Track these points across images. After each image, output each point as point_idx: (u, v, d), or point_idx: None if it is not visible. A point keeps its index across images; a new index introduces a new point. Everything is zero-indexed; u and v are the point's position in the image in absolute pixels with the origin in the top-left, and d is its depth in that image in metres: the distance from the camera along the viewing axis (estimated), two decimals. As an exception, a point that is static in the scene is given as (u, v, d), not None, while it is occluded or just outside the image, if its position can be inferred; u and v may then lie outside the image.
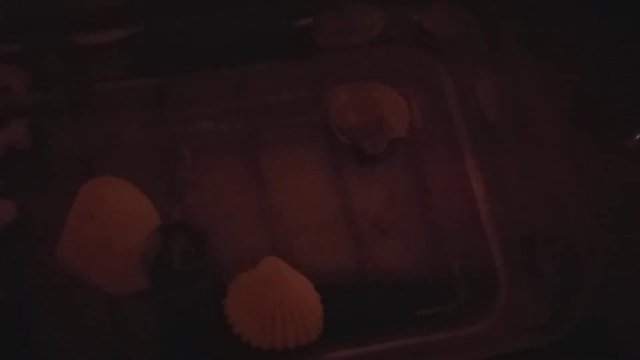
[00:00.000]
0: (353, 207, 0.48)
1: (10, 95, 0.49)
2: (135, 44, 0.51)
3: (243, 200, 0.48)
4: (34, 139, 0.48)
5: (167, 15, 0.51)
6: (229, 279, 0.44)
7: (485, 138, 0.48)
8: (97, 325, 0.43)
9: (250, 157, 0.49)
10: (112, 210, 0.44)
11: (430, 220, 0.47)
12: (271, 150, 0.49)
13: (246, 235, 0.47)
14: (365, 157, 0.49)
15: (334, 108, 0.49)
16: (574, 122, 0.47)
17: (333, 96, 0.49)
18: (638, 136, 0.48)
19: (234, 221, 0.47)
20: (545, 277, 0.42)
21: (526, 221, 0.45)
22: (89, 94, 0.50)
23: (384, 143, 0.48)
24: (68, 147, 0.49)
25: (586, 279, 0.39)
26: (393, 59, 0.52)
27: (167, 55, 0.51)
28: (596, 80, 0.46)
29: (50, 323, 0.43)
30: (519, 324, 0.42)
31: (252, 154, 0.49)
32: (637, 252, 0.46)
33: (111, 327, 0.43)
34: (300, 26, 0.52)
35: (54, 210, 0.46)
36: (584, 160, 0.46)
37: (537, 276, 0.43)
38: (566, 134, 0.46)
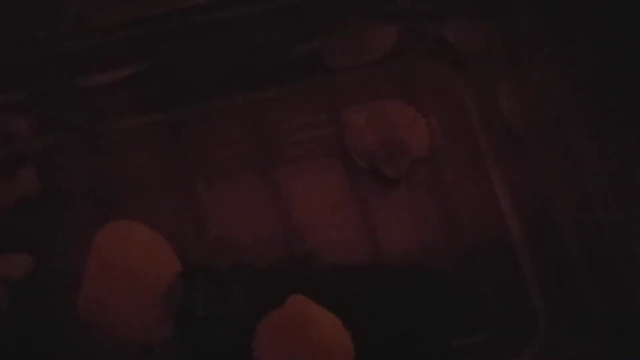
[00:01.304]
0: (377, 231, 0.46)
1: (17, 143, 0.48)
2: (141, 80, 0.49)
3: (264, 229, 0.46)
4: (45, 186, 0.47)
5: (172, 49, 0.50)
6: (256, 320, 0.43)
7: (511, 152, 0.46)
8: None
9: (269, 187, 0.48)
10: (131, 257, 0.43)
11: (459, 242, 0.45)
12: (290, 178, 0.48)
13: (269, 269, 0.45)
14: (386, 180, 0.47)
15: (350, 132, 0.47)
16: (604, 128, 0.45)
17: (348, 119, 0.47)
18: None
19: (256, 255, 0.46)
20: (587, 309, 0.41)
21: (563, 241, 0.43)
22: (97, 135, 0.49)
23: (405, 165, 0.46)
24: (79, 190, 0.47)
25: (636, 315, 0.37)
26: (408, 75, 0.50)
27: (175, 88, 0.49)
28: (623, 88, 0.44)
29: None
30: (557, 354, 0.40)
31: (269, 183, 0.48)
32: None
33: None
34: (309, 49, 0.51)
35: (71, 258, 0.45)
36: (615, 169, 0.45)
37: (578, 307, 0.41)
38: (595, 143, 0.44)
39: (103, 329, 0.42)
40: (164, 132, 0.49)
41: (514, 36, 0.45)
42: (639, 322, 0.38)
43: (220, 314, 0.41)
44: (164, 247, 0.44)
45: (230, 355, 0.42)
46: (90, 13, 0.46)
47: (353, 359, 0.41)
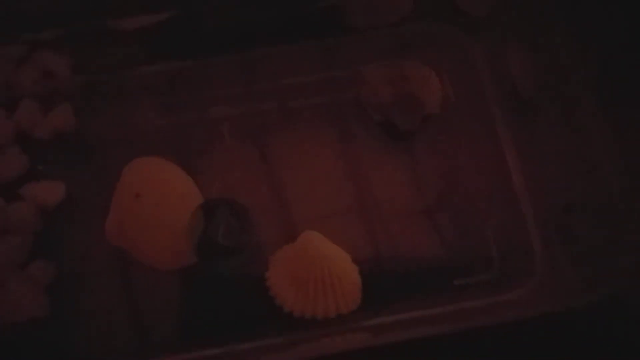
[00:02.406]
0: (386, 184, 0.49)
1: (55, 80, 0.51)
2: (173, 27, 0.52)
3: (280, 177, 0.49)
4: (79, 122, 0.50)
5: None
6: (269, 253, 0.46)
7: (519, 112, 0.49)
8: (145, 298, 0.46)
9: (285, 136, 0.50)
10: (157, 189, 0.46)
11: (464, 194, 0.48)
12: (305, 128, 0.50)
13: (282, 210, 0.48)
14: (397, 134, 0.50)
15: (366, 86, 0.50)
16: (611, 92, 0.47)
17: (365, 74, 0.50)
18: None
19: (271, 198, 0.48)
20: (582, 242, 0.44)
21: (562, 191, 0.46)
22: (127, 78, 0.52)
23: (417, 119, 0.49)
24: (110, 129, 0.50)
25: (626, 242, 0.40)
26: (423, 36, 0.52)
27: (206, 37, 0.52)
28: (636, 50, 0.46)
29: (100, 296, 0.45)
30: (556, 290, 0.43)
31: (286, 133, 0.50)
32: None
33: (158, 300, 0.45)
34: (329, 6, 0.53)
35: (99, 190, 0.48)
36: (623, 129, 0.47)
37: (574, 243, 0.44)
38: (604, 105, 0.46)
39: (128, 254, 0.45)
40: (190, 79, 0.51)
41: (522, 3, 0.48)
42: (625, 246, 0.41)
43: (239, 244, 0.44)
44: (187, 181, 0.47)
45: (245, 283, 0.45)
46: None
47: (360, 291, 0.44)
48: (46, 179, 0.48)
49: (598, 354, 0.43)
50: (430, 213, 0.48)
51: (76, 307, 0.45)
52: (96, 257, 0.46)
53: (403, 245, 0.47)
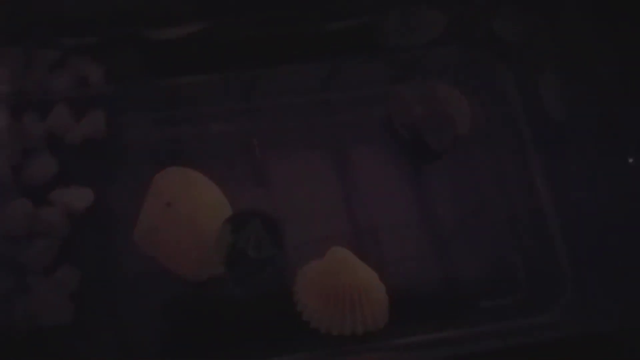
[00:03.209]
0: (415, 203, 0.49)
1: (88, 86, 0.51)
2: (206, 38, 0.53)
3: (309, 192, 0.49)
4: (109, 129, 0.50)
5: (235, 10, 0.53)
6: (297, 267, 0.46)
7: (550, 136, 0.49)
8: (170, 307, 0.45)
9: (317, 152, 0.50)
10: (188, 198, 0.46)
11: (493, 216, 0.48)
12: (336, 145, 0.51)
13: (312, 225, 0.48)
14: (428, 153, 0.50)
15: (398, 105, 0.50)
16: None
17: (397, 93, 0.51)
18: None
19: (300, 211, 0.48)
20: (613, 266, 0.43)
21: (593, 215, 0.46)
22: (160, 87, 0.52)
23: (448, 140, 0.49)
24: (140, 137, 0.51)
25: None
26: (454, 58, 0.53)
27: (241, 49, 0.52)
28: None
29: (125, 304, 0.45)
30: (586, 314, 0.43)
31: (318, 148, 0.51)
32: None
33: (184, 309, 0.45)
34: (361, 25, 0.54)
35: (127, 197, 0.48)
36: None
37: (605, 266, 0.44)
38: (637, 129, 0.46)
39: (157, 262, 0.45)
40: (225, 90, 0.52)
41: (561, 28, 0.48)
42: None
43: (269, 257, 0.44)
44: (216, 192, 0.47)
45: (273, 297, 0.45)
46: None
47: (387, 310, 0.44)
48: (75, 185, 0.48)
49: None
50: (457, 233, 0.48)
51: (101, 314, 0.45)
52: (123, 264, 0.46)
53: (430, 264, 0.47)
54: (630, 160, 0.45)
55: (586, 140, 0.47)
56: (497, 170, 0.50)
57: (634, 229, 0.44)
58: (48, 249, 0.45)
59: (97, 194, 0.48)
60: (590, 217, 0.46)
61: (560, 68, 0.49)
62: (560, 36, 0.48)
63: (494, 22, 0.52)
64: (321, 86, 0.52)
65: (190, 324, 0.45)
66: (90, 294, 0.45)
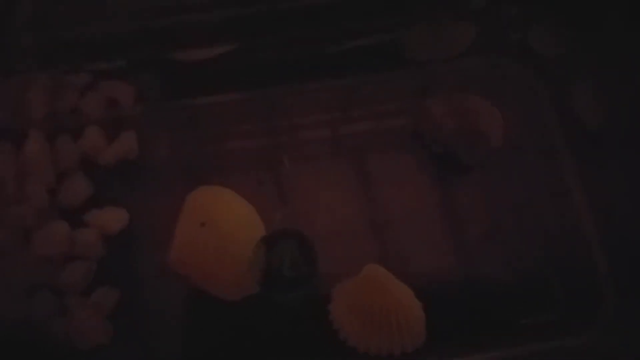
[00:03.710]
0: (448, 217, 0.49)
1: (119, 108, 0.52)
2: (233, 59, 0.53)
3: (341, 209, 0.49)
4: (141, 149, 0.51)
5: (263, 31, 0.53)
6: (331, 285, 0.46)
7: (585, 148, 0.48)
8: (206, 327, 0.45)
9: (348, 168, 0.50)
10: (220, 218, 0.46)
11: (530, 231, 0.48)
12: (367, 161, 0.50)
13: (345, 242, 0.48)
14: (460, 167, 0.50)
15: (429, 119, 0.50)
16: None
17: (428, 107, 0.50)
18: None
19: (333, 228, 0.48)
20: None
21: (634, 229, 0.45)
22: (190, 107, 0.53)
23: (481, 153, 0.49)
24: (172, 157, 0.51)
25: None
26: (485, 70, 0.53)
27: (266, 68, 0.53)
28: None
29: (161, 324, 0.45)
30: (625, 338, 0.42)
31: (349, 164, 0.50)
32: None
33: (219, 329, 0.45)
34: (391, 39, 0.54)
35: (161, 217, 0.48)
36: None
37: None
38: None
39: (191, 282, 0.45)
40: (253, 108, 0.52)
41: (595, 42, 0.48)
42: None
43: (304, 276, 0.44)
44: (249, 210, 0.47)
45: (309, 315, 0.45)
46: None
47: (424, 328, 0.44)
48: (110, 206, 0.48)
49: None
50: (492, 248, 0.47)
51: (138, 334, 0.45)
52: (158, 284, 0.46)
53: (466, 280, 0.46)
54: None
55: (622, 149, 0.47)
56: (531, 182, 0.49)
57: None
58: (85, 270, 0.46)
59: (132, 214, 0.48)
60: (630, 228, 0.45)
61: (593, 77, 0.48)
62: (594, 45, 0.48)
63: (529, 34, 0.51)
64: (349, 102, 0.52)
65: (226, 343, 0.45)
66: (127, 315, 0.46)
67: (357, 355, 0.43)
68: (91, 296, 0.45)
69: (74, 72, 0.52)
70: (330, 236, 0.48)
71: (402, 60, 0.53)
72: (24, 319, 0.44)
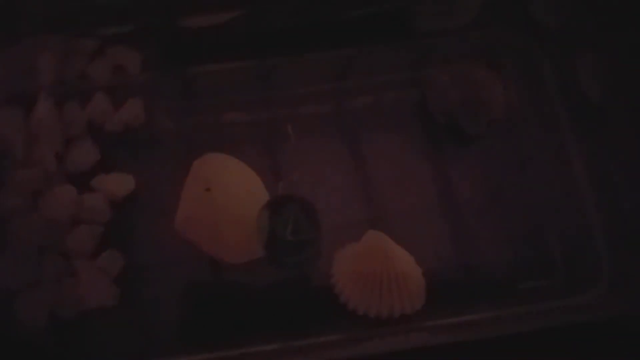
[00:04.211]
0: (449, 185, 0.49)
1: (125, 75, 0.52)
2: (238, 26, 0.53)
3: (342, 177, 0.50)
4: (147, 116, 0.51)
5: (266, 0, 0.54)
6: (333, 250, 0.47)
7: (587, 119, 0.49)
8: (210, 291, 0.47)
9: (350, 137, 0.51)
10: (225, 184, 0.47)
11: (529, 199, 0.48)
12: (369, 130, 0.51)
13: (346, 210, 0.49)
14: (462, 137, 0.50)
15: (433, 89, 0.51)
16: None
17: (432, 77, 0.51)
18: None
19: (334, 197, 0.49)
20: None
21: (631, 196, 0.45)
22: (194, 75, 0.53)
23: (483, 124, 0.49)
24: (177, 124, 0.52)
25: None
26: (490, 42, 0.53)
27: (271, 37, 0.53)
28: None
29: (167, 287, 0.46)
30: (625, 295, 0.43)
31: (351, 133, 0.51)
32: None
33: (223, 293, 0.46)
34: (395, 9, 0.54)
35: (166, 183, 0.49)
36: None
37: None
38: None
39: (197, 247, 0.46)
40: (256, 77, 0.53)
41: (599, 13, 0.48)
42: None
43: (307, 240, 0.44)
44: (253, 177, 0.48)
45: (311, 279, 0.46)
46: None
47: (424, 292, 0.45)
48: (116, 172, 0.49)
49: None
50: (493, 216, 0.48)
51: (143, 297, 0.46)
52: (164, 248, 0.47)
53: (466, 247, 0.47)
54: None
55: (624, 121, 0.47)
56: (533, 153, 0.50)
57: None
58: (92, 234, 0.47)
59: (138, 180, 0.49)
60: (628, 198, 0.46)
61: (597, 48, 0.48)
62: (597, 17, 0.48)
63: (531, 5, 0.51)
64: (354, 71, 0.52)
65: (230, 306, 0.46)
66: (132, 278, 0.47)
67: (357, 317, 0.44)
68: (98, 259, 0.46)
69: (82, 38, 0.52)
70: (332, 203, 0.49)
71: (408, 31, 0.53)
72: (33, 280, 0.45)
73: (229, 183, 0.47)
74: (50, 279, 0.45)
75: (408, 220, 0.48)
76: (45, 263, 0.46)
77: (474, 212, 0.48)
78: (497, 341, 0.42)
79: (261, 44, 0.53)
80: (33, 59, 0.51)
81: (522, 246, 0.47)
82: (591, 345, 0.41)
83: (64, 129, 0.49)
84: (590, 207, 0.47)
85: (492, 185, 0.49)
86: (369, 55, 0.53)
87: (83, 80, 0.51)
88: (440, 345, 0.42)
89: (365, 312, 0.44)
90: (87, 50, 0.52)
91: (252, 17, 0.53)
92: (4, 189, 0.47)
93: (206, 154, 0.49)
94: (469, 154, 0.50)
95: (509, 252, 0.47)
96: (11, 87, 0.51)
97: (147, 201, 0.49)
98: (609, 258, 0.45)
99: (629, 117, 0.46)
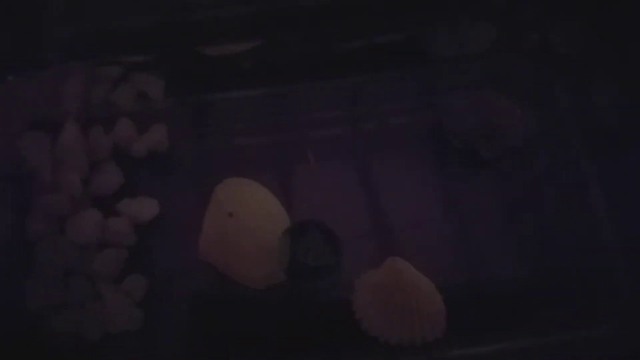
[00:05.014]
0: (468, 211, 0.50)
1: (149, 101, 0.53)
2: (257, 55, 0.55)
3: (360, 202, 0.50)
4: (170, 141, 0.52)
5: (289, 27, 0.55)
6: (354, 276, 0.47)
7: (604, 146, 0.49)
8: (233, 315, 0.47)
9: (368, 162, 0.52)
10: (247, 208, 0.48)
11: (547, 225, 0.49)
12: (386, 154, 0.52)
13: (364, 234, 0.49)
14: (478, 162, 0.51)
15: (450, 114, 0.51)
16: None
17: (449, 103, 0.52)
18: None
19: (352, 222, 0.49)
20: None
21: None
22: (215, 101, 0.54)
23: (499, 149, 0.50)
24: (199, 149, 0.53)
25: None
26: (506, 70, 0.54)
27: (287, 66, 0.54)
28: None
29: (190, 311, 0.47)
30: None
31: (369, 158, 0.52)
32: None
33: (245, 316, 0.47)
34: (413, 36, 0.55)
35: (190, 207, 0.50)
36: None
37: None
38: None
39: (220, 270, 0.47)
40: (276, 103, 0.54)
41: (615, 40, 0.48)
42: None
43: (328, 266, 0.45)
44: (274, 202, 0.49)
45: (331, 305, 0.46)
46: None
47: (445, 319, 0.45)
48: (141, 196, 0.50)
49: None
50: (510, 243, 0.48)
51: (166, 321, 0.47)
52: (187, 272, 0.48)
53: (485, 274, 0.47)
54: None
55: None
56: (549, 178, 0.50)
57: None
58: (117, 257, 0.47)
59: (161, 204, 0.50)
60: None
61: (612, 75, 0.49)
62: (613, 43, 0.48)
63: (548, 33, 0.52)
64: (373, 97, 0.53)
65: (252, 330, 0.46)
66: (156, 302, 0.47)
67: (379, 345, 0.44)
68: (122, 283, 0.47)
69: (106, 65, 0.53)
70: (351, 228, 0.49)
71: (426, 57, 0.54)
72: (60, 303, 0.46)
73: (251, 207, 0.48)
74: (76, 302, 0.46)
75: (426, 246, 0.48)
76: (72, 286, 0.47)
77: (491, 239, 0.48)
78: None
79: (278, 71, 0.54)
80: (59, 86, 0.53)
81: (539, 274, 0.47)
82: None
83: (89, 154, 0.50)
84: (607, 234, 0.47)
85: (508, 210, 0.49)
86: (386, 81, 0.54)
87: (107, 106, 0.53)
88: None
89: (386, 340, 0.44)
90: (111, 77, 0.53)
91: (271, 46, 0.54)
92: (31, 213, 0.48)
93: (227, 178, 0.50)
94: (486, 179, 0.51)
95: (525, 280, 0.47)
96: (38, 113, 0.52)
97: (170, 225, 0.49)
98: (628, 287, 0.46)
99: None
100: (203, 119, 0.53)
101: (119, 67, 0.53)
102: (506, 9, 0.55)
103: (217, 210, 0.48)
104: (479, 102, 0.51)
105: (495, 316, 0.46)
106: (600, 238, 0.48)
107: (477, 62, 0.54)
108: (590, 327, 0.45)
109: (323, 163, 0.52)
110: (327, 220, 0.47)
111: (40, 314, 0.46)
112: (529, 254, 0.48)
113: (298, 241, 0.45)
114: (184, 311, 0.47)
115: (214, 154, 0.52)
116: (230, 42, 0.55)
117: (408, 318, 0.44)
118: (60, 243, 0.47)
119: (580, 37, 0.51)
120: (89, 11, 0.54)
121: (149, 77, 0.53)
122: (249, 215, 0.47)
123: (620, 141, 0.49)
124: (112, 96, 0.53)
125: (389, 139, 0.53)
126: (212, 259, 0.47)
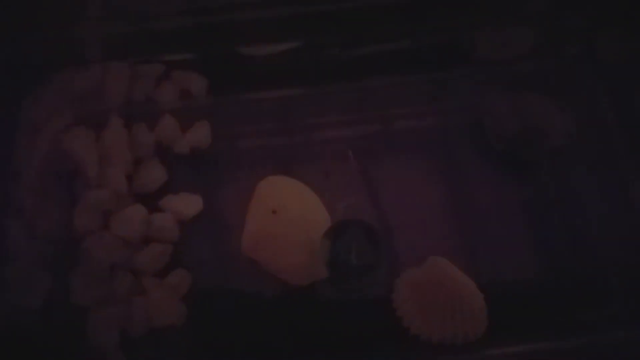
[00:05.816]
0: (507, 213, 0.50)
1: (191, 99, 0.54)
2: (296, 56, 0.55)
3: (403, 201, 0.50)
4: (213, 139, 0.53)
5: (326, 29, 0.55)
6: (394, 275, 0.47)
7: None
8: (274, 311, 0.47)
9: (408, 161, 0.52)
10: (291, 206, 0.48)
11: (588, 227, 0.49)
12: (428, 154, 0.52)
13: (406, 233, 0.49)
14: (520, 164, 0.51)
15: (493, 116, 0.51)
16: None
17: (491, 105, 0.52)
18: None
19: (395, 220, 0.50)
20: None
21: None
22: (256, 100, 0.55)
23: (541, 151, 0.50)
24: (241, 147, 0.53)
25: None
26: (548, 71, 0.54)
27: (324, 66, 0.55)
28: None
29: (232, 306, 0.47)
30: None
31: (408, 158, 0.52)
32: None
33: (287, 313, 0.47)
34: (455, 39, 0.55)
35: (232, 204, 0.50)
36: None
37: None
38: None
39: (262, 267, 0.48)
40: (318, 102, 0.54)
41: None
42: None
43: (370, 264, 0.45)
44: (315, 200, 0.50)
45: (373, 303, 0.47)
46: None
47: (486, 318, 0.45)
48: (184, 192, 0.51)
49: None
50: (554, 244, 0.49)
51: (209, 315, 0.47)
52: (230, 268, 0.48)
53: (527, 273, 0.48)
54: None
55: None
56: (591, 182, 0.50)
57: None
58: (162, 252, 0.48)
59: (204, 200, 0.50)
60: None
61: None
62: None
63: (592, 41, 0.52)
64: (416, 97, 0.54)
65: (294, 327, 0.47)
66: (199, 297, 0.48)
67: (420, 343, 0.45)
68: (167, 278, 0.48)
69: (150, 62, 0.54)
70: (393, 226, 0.49)
71: (468, 59, 0.55)
72: (105, 297, 0.47)
73: (293, 205, 0.48)
74: (121, 297, 0.47)
75: (470, 246, 0.49)
76: (117, 281, 0.47)
77: (535, 239, 0.49)
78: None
79: (316, 72, 0.55)
80: (102, 83, 0.54)
81: (581, 274, 0.47)
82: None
83: (132, 151, 0.51)
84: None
85: (550, 213, 0.49)
86: (429, 82, 0.54)
87: (150, 103, 0.54)
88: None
89: (428, 338, 0.45)
90: (154, 74, 0.54)
91: (309, 47, 0.54)
92: (77, 208, 0.49)
93: (269, 176, 0.51)
94: (528, 181, 0.51)
95: (567, 280, 0.47)
96: (82, 110, 0.53)
97: (213, 221, 0.50)
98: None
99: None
100: (244, 117, 0.54)
101: (161, 65, 0.54)
102: (550, 14, 0.55)
103: (260, 207, 0.48)
104: (522, 104, 0.51)
105: (536, 316, 0.46)
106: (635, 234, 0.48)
107: (519, 65, 0.54)
108: (632, 327, 0.45)
109: (365, 162, 0.52)
110: (368, 219, 0.48)
111: (86, 308, 0.47)
112: (570, 254, 0.48)
113: (341, 239, 0.46)
114: (226, 306, 0.48)
115: (255, 151, 0.53)
116: (268, 42, 0.55)
117: (450, 316, 0.44)
118: (105, 238, 0.48)
119: (624, 46, 0.51)
120: (130, 10, 0.55)
121: (192, 74, 0.54)
122: (292, 212, 0.48)
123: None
124: (154, 93, 0.54)
125: (432, 139, 0.52)
126: (255, 255, 0.48)
